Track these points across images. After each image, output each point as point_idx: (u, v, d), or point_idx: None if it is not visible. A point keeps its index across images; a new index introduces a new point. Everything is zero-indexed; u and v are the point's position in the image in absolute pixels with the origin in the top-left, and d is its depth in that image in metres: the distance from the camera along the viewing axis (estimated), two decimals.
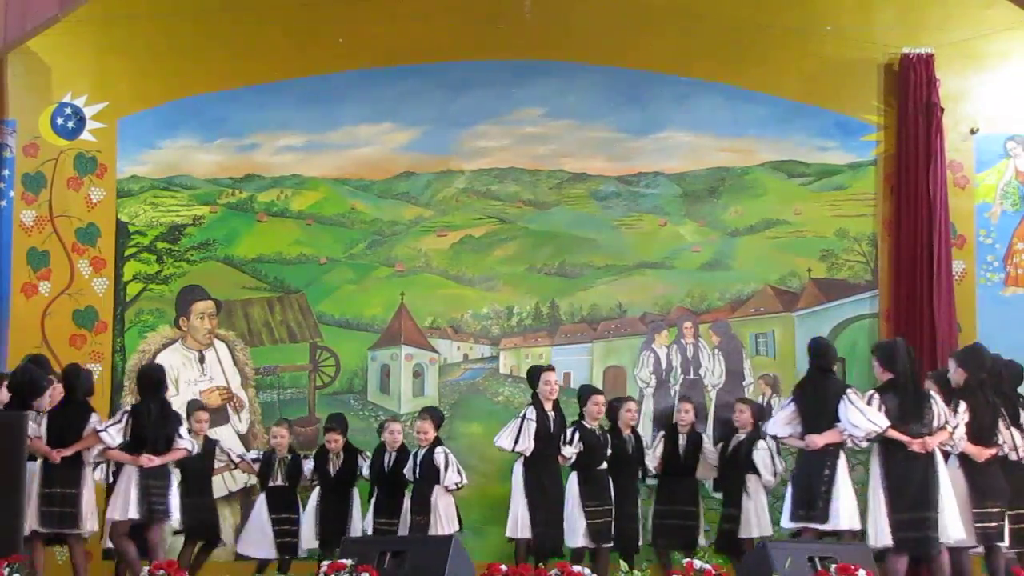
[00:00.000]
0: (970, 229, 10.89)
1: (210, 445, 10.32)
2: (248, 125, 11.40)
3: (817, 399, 8.91)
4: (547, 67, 11.22)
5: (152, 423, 9.49)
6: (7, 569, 8.20)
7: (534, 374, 10.10)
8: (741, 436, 10.11)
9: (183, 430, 9.69)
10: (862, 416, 8.68)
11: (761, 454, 9.96)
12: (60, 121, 11.28)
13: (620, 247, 11.27)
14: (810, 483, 8.80)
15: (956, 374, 9.15)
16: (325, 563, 8.15)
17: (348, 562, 7.96)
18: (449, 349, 11.28)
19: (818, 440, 8.79)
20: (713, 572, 7.91)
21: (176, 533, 10.10)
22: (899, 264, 10.76)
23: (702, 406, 10.91)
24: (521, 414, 9.93)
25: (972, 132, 10.95)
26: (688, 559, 8.14)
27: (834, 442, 8.83)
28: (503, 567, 8.33)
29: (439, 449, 9.95)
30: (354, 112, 11.35)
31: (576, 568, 8.30)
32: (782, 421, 9.02)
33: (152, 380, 9.75)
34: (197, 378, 11.24)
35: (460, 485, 9.96)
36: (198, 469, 10.15)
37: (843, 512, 8.72)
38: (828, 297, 11.02)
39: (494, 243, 11.36)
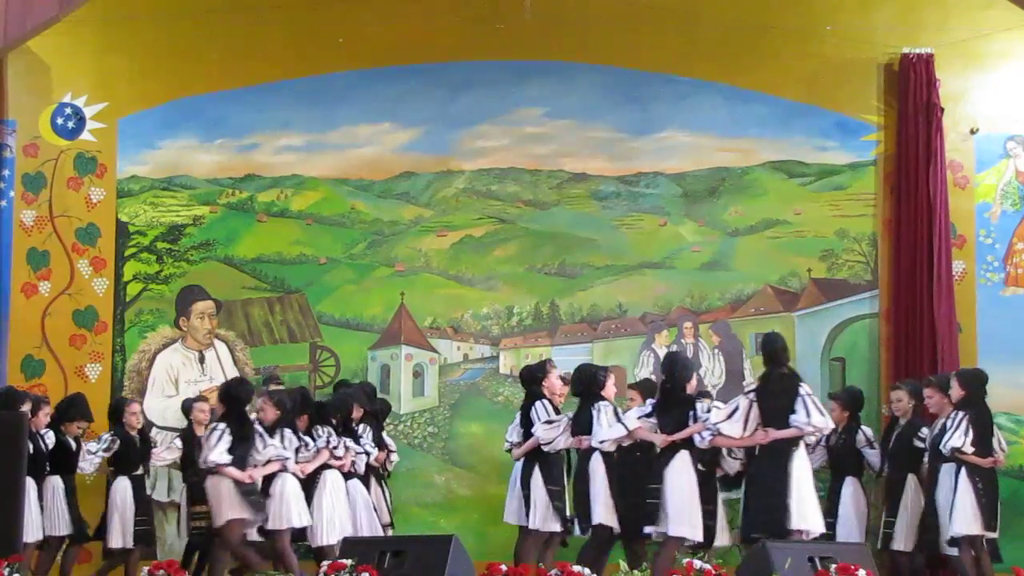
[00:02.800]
0: (970, 229, 10.89)
1: None
2: (248, 125, 11.39)
3: None
4: (547, 67, 11.22)
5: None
6: (7, 569, 8.21)
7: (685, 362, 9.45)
8: None
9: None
10: None
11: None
12: (60, 121, 11.28)
13: (620, 247, 11.26)
14: None
15: None
16: (325, 563, 8.16)
17: (348, 562, 7.96)
18: (449, 349, 11.27)
19: None
20: (713, 572, 7.92)
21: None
22: (899, 264, 10.76)
23: None
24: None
25: (972, 132, 10.94)
26: None
27: None
28: (503, 567, 8.31)
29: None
30: (354, 112, 11.34)
31: (576, 568, 8.30)
32: None
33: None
34: (197, 378, 11.23)
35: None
36: None
37: None
38: (828, 297, 11.01)
39: (494, 243, 11.35)
